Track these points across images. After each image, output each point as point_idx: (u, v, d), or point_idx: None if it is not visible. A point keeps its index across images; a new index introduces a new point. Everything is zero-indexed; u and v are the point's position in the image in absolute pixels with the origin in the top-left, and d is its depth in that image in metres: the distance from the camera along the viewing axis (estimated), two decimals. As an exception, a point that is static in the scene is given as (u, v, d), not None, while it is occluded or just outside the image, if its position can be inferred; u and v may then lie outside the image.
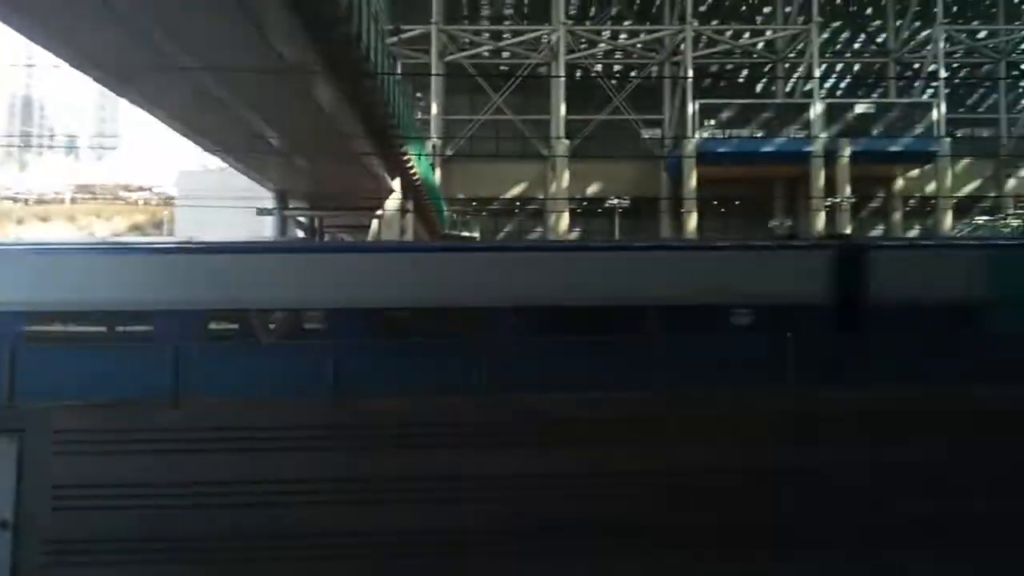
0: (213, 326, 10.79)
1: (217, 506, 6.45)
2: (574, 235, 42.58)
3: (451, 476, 6.68)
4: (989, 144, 46.96)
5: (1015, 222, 39.22)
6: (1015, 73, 47.36)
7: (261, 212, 27.97)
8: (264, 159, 21.97)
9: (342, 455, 6.65)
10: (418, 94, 44.17)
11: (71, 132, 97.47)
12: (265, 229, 28.57)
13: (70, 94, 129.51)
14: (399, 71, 31.49)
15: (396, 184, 26.37)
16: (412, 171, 27.29)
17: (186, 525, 6.50)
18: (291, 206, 28.88)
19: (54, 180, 56.76)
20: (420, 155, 28.87)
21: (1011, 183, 45.38)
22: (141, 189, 57.83)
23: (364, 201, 27.40)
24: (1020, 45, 47.70)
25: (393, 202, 26.60)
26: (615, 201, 38.61)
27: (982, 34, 47.40)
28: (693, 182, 39.56)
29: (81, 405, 6.98)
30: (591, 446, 6.92)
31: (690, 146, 39.34)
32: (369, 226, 28.99)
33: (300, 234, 30.63)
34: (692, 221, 39.71)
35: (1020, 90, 47.81)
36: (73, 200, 53.56)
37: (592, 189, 44.28)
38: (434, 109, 42.42)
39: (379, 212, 26.80)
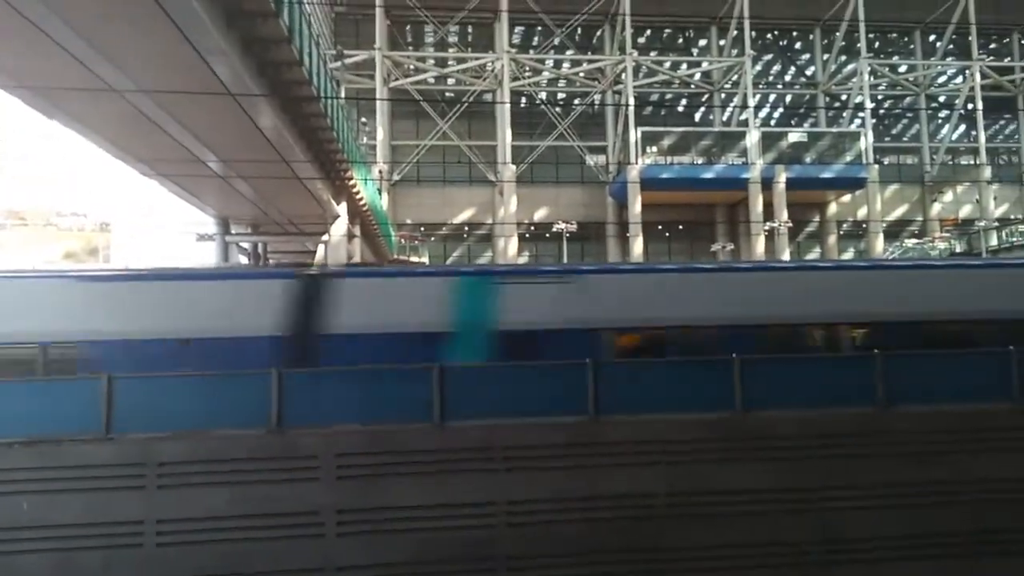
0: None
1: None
2: (523, 260, 42.78)
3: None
4: (914, 171, 49.39)
5: (941, 244, 41.12)
6: (934, 105, 50.05)
7: (201, 238, 27.22)
8: (204, 184, 21.41)
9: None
10: (363, 119, 43.98)
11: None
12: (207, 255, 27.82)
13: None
14: (343, 95, 31.32)
15: (342, 209, 26.05)
16: (358, 196, 27.02)
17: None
18: (233, 231, 28.19)
19: (-20, 206, 54.12)
20: (366, 180, 28.63)
21: (936, 207, 47.74)
22: (75, 215, 55.58)
23: (309, 226, 26.97)
24: (937, 79, 50.51)
25: (339, 227, 26.23)
26: (563, 225, 38.97)
27: (902, 68, 50.04)
28: (638, 207, 40.33)
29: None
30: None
31: (634, 172, 40.18)
32: (315, 251, 28.53)
33: (243, 260, 29.91)
34: (638, 245, 40.39)
35: (939, 121, 50.50)
36: (1, 226, 51.09)
37: (540, 214, 44.69)
38: (380, 134, 42.26)
39: (325, 237, 26.39)
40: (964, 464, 6.83)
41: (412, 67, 44.65)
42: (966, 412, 7.09)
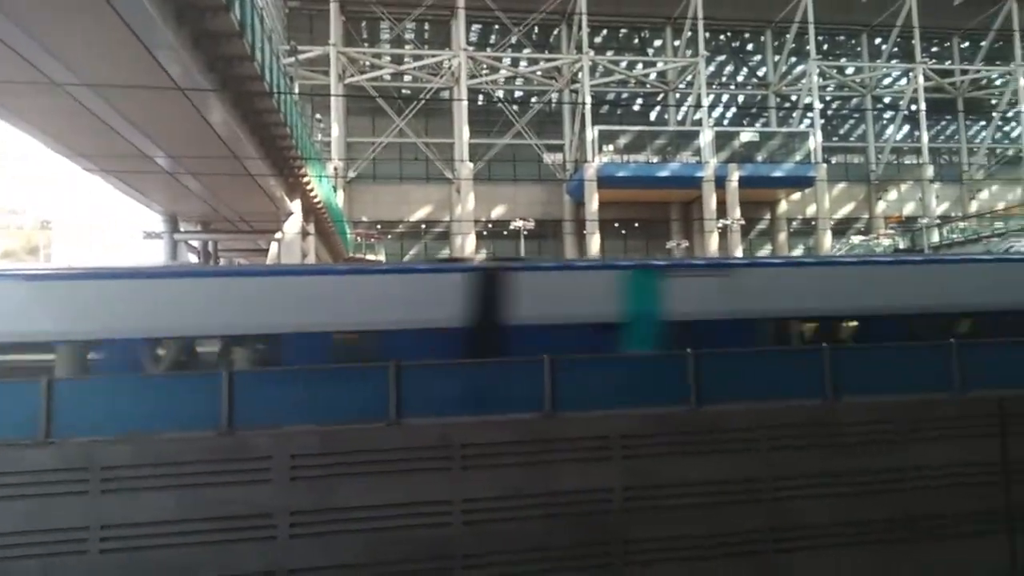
0: None
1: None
2: (481, 256, 42.74)
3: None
4: (860, 170, 50.93)
5: (886, 241, 42.48)
6: (880, 106, 51.62)
7: (149, 236, 26.49)
8: (151, 181, 20.82)
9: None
10: (318, 116, 43.34)
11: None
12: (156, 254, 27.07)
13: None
14: (297, 91, 30.83)
15: (296, 206, 25.63)
16: (313, 193, 26.63)
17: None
18: (182, 229, 27.50)
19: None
20: (321, 177, 28.23)
21: (881, 205, 49.32)
22: (14, 212, 53.60)
23: (262, 224, 26.49)
24: (883, 81, 52.11)
25: (293, 225, 25.81)
26: (520, 223, 39.05)
27: (850, 70, 51.50)
28: (595, 204, 40.66)
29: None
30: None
31: (591, 170, 40.47)
32: (268, 249, 28.02)
33: (193, 258, 29.20)
34: (595, 242, 40.72)
35: (884, 121, 52.13)
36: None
37: (497, 211, 44.71)
38: (335, 131, 41.73)
39: (278, 235, 25.94)
40: (904, 453, 7.08)
41: (368, 64, 44.18)
42: (908, 403, 7.33)
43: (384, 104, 43.70)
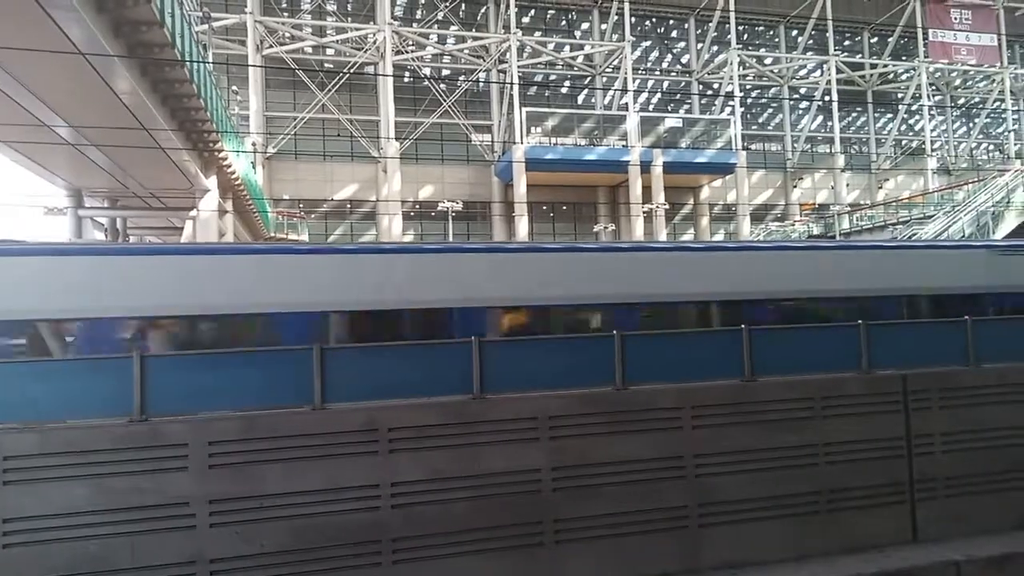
0: None
1: None
2: (408, 238, 42.21)
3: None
4: (777, 158, 52.95)
5: (801, 227, 44.40)
6: (796, 96, 53.74)
7: (50, 212, 24.88)
8: (52, 153, 19.49)
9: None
10: (235, 88, 41.59)
11: None
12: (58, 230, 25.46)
13: None
14: (211, 61, 29.44)
15: (212, 183, 24.55)
16: (230, 169, 25.57)
17: None
18: (88, 205, 25.93)
19: None
20: (239, 152, 27.13)
21: (796, 193, 51.48)
22: None
23: (175, 200, 25.28)
24: (799, 72, 54.19)
25: (209, 202, 24.72)
26: (448, 204, 38.74)
27: (768, 60, 53.31)
28: (523, 187, 40.73)
29: None
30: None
31: (519, 152, 40.49)
32: (182, 228, 26.79)
33: (99, 236, 27.63)
34: (523, 224, 40.85)
35: (800, 111, 54.30)
36: None
37: (425, 192, 44.20)
38: (253, 104, 40.13)
39: (193, 213, 24.80)
40: (816, 429, 7.40)
41: (288, 35, 42.61)
42: (819, 380, 7.66)
43: (305, 78, 42.32)
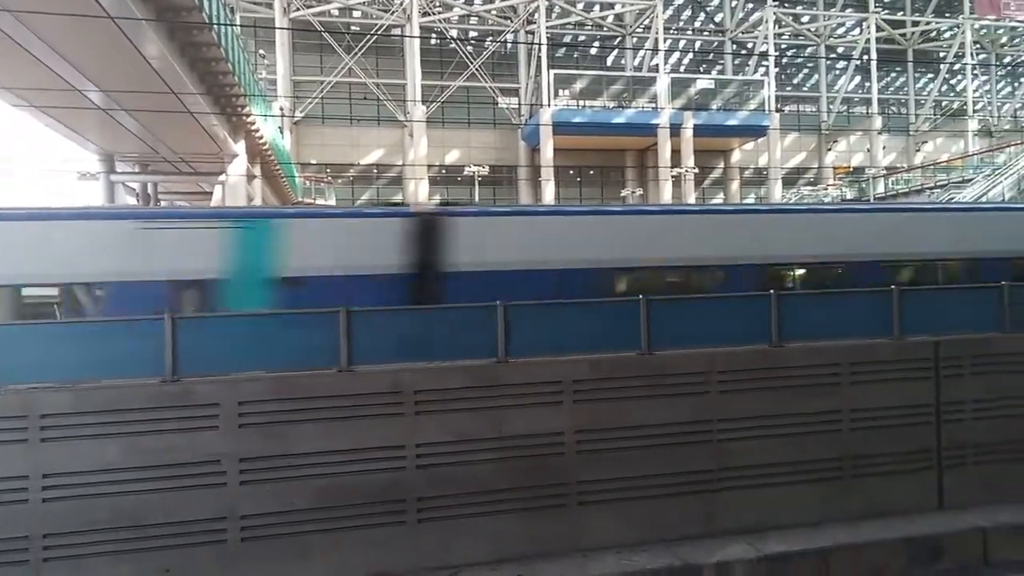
0: None
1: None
2: (434, 202, 42.18)
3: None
4: (811, 120, 51.59)
5: (834, 191, 43.44)
6: (833, 55, 52.11)
7: (83, 176, 25.27)
8: (84, 118, 19.72)
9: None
10: (262, 52, 41.53)
11: None
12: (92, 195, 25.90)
13: None
14: (238, 23, 29.39)
15: (240, 148, 24.69)
16: (258, 134, 25.66)
17: None
18: (119, 170, 26.30)
19: None
20: (266, 117, 27.20)
21: (830, 156, 50.23)
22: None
23: (204, 166, 25.50)
24: (836, 30, 52.42)
25: (238, 167, 24.90)
26: (474, 169, 38.54)
27: (805, 18, 51.61)
28: (550, 151, 40.29)
29: None
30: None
31: (546, 115, 39.98)
32: (212, 193, 27.08)
33: (131, 200, 28.07)
34: (550, 189, 40.53)
35: (837, 71, 52.66)
36: None
37: (451, 156, 44.00)
38: (281, 68, 40.08)
39: (222, 177, 25.02)
40: (842, 395, 7.32)
41: (315, -3, 42.31)
42: (849, 347, 7.55)
43: (332, 41, 42.07)
